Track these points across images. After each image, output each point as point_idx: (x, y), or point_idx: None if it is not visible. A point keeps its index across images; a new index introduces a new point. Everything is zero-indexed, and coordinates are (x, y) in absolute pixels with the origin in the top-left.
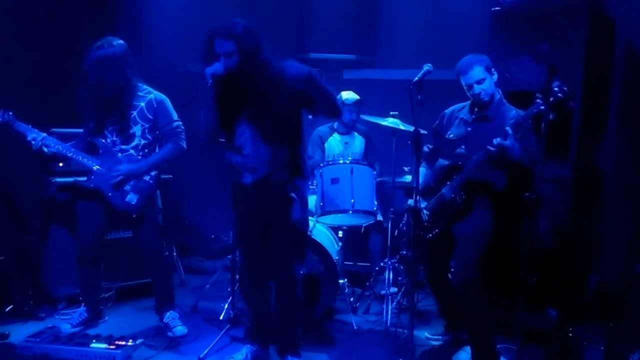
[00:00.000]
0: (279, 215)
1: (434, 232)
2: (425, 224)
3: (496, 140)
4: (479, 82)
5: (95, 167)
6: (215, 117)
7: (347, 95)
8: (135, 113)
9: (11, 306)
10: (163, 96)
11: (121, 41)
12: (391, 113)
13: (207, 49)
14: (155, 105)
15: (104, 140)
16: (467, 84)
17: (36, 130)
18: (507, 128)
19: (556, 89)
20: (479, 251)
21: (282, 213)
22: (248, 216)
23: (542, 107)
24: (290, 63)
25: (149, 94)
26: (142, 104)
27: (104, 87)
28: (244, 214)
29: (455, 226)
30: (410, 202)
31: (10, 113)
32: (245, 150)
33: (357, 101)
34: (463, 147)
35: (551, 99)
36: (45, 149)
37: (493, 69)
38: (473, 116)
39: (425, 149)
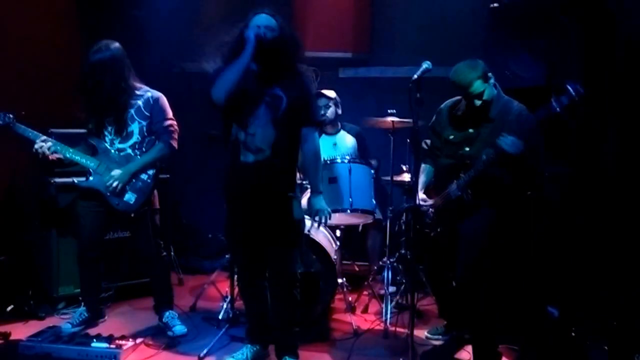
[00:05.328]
0: (276, 213)
1: (437, 231)
2: (430, 222)
3: (501, 143)
4: (479, 96)
5: (93, 168)
6: (240, 79)
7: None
8: (132, 111)
9: (12, 306)
10: (160, 94)
11: (117, 44)
12: (389, 111)
13: (245, 23)
14: (152, 102)
15: (101, 141)
16: (466, 95)
17: (37, 132)
18: (514, 138)
19: (570, 89)
20: (483, 250)
21: (280, 210)
22: (243, 199)
23: (557, 110)
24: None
25: (146, 92)
26: (140, 102)
27: (102, 90)
28: (239, 197)
29: (460, 224)
30: (410, 200)
31: (11, 115)
32: (251, 129)
33: (330, 96)
34: (467, 148)
35: (566, 101)
36: (49, 156)
37: (489, 73)
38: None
39: (424, 145)
